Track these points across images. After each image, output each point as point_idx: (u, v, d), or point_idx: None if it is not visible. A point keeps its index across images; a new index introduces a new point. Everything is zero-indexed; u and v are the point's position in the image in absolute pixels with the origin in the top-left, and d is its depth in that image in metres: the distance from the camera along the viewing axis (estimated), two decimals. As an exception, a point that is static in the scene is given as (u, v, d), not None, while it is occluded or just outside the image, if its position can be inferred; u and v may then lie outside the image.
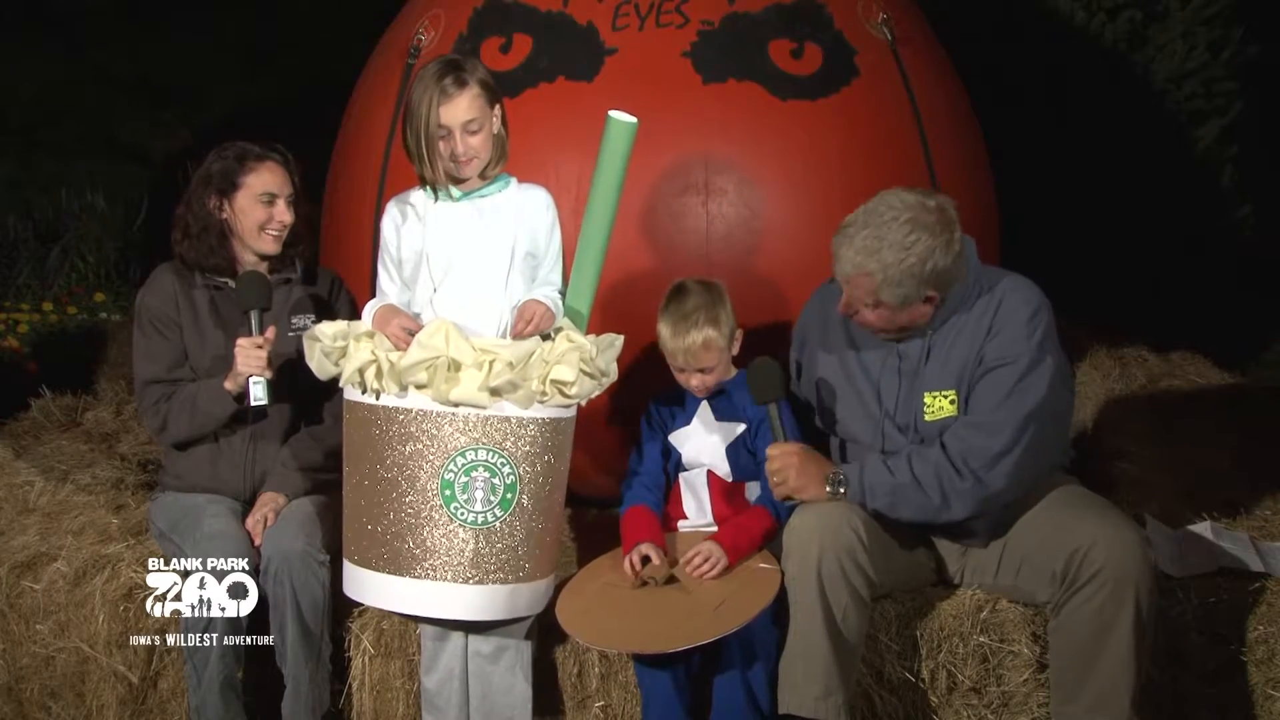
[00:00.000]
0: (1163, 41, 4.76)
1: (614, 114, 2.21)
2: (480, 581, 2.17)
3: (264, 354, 2.39)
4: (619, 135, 2.20)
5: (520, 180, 2.37)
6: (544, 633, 2.38)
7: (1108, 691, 2.07)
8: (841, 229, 2.20)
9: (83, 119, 6.69)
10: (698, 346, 2.34)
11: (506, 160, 2.33)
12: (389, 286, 2.36)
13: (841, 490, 2.18)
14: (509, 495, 2.17)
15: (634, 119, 2.20)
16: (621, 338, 2.33)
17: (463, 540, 2.16)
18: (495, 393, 2.12)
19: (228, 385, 2.44)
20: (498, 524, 2.17)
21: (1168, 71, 4.75)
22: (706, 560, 2.26)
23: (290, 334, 2.54)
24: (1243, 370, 4.26)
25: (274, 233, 2.54)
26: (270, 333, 2.44)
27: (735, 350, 2.42)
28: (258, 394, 2.39)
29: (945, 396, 2.23)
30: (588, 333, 2.33)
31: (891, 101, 2.86)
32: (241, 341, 2.41)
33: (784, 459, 2.20)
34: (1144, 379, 3.81)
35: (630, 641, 2.20)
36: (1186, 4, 4.75)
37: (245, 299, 2.43)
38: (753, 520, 2.35)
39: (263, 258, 2.57)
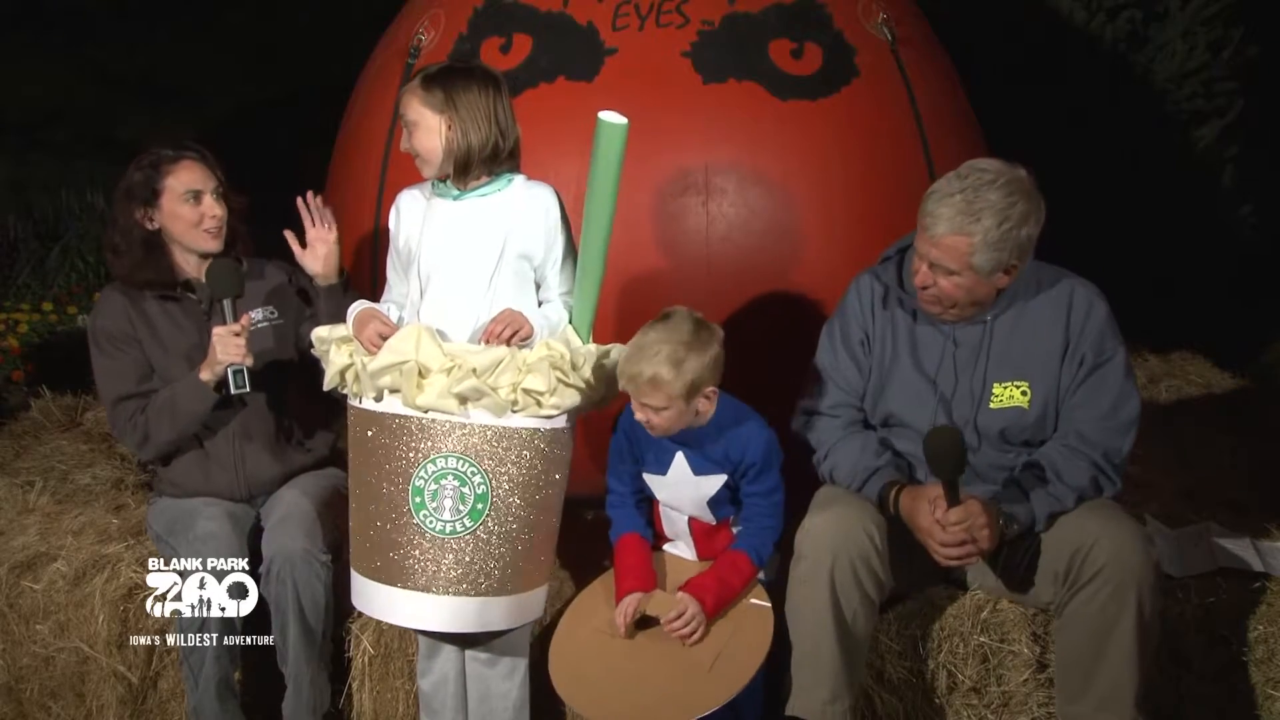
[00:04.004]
0: (1163, 41, 4.76)
1: (604, 115, 2.12)
2: (448, 592, 2.12)
3: (242, 341, 2.38)
4: (611, 137, 2.12)
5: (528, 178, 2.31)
6: (545, 634, 2.38)
7: (1112, 690, 2.06)
8: (932, 193, 2.15)
9: (83, 119, 6.68)
10: (643, 381, 2.13)
11: (508, 163, 2.26)
12: (392, 275, 2.36)
13: (1014, 526, 2.15)
14: (479, 505, 2.11)
15: (624, 120, 2.11)
16: (624, 349, 2.24)
17: (429, 549, 2.12)
18: (463, 399, 2.08)
19: (204, 376, 2.42)
20: (467, 534, 2.11)
21: (1168, 71, 4.74)
22: (686, 625, 2.16)
23: (253, 329, 2.51)
24: (1243, 370, 4.26)
25: (210, 228, 2.51)
26: (246, 319, 2.44)
27: (702, 407, 2.19)
28: (238, 382, 2.37)
29: (1017, 388, 2.22)
30: (594, 339, 2.28)
31: (891, 101, 2.86)
32: (218, 330, 2.39)
33: (973, 521, 2.07)
34: (1144, 379, 3.81)
35: (629, 716, 2.12)
36: (1186, 4, 4.74)
37: (217, 288, 2.42)
38: (734, 574, 2.24)
39: (205, 256, 2.54)
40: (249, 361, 2.39)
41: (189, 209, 2.49)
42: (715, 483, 2.28)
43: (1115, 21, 4.73)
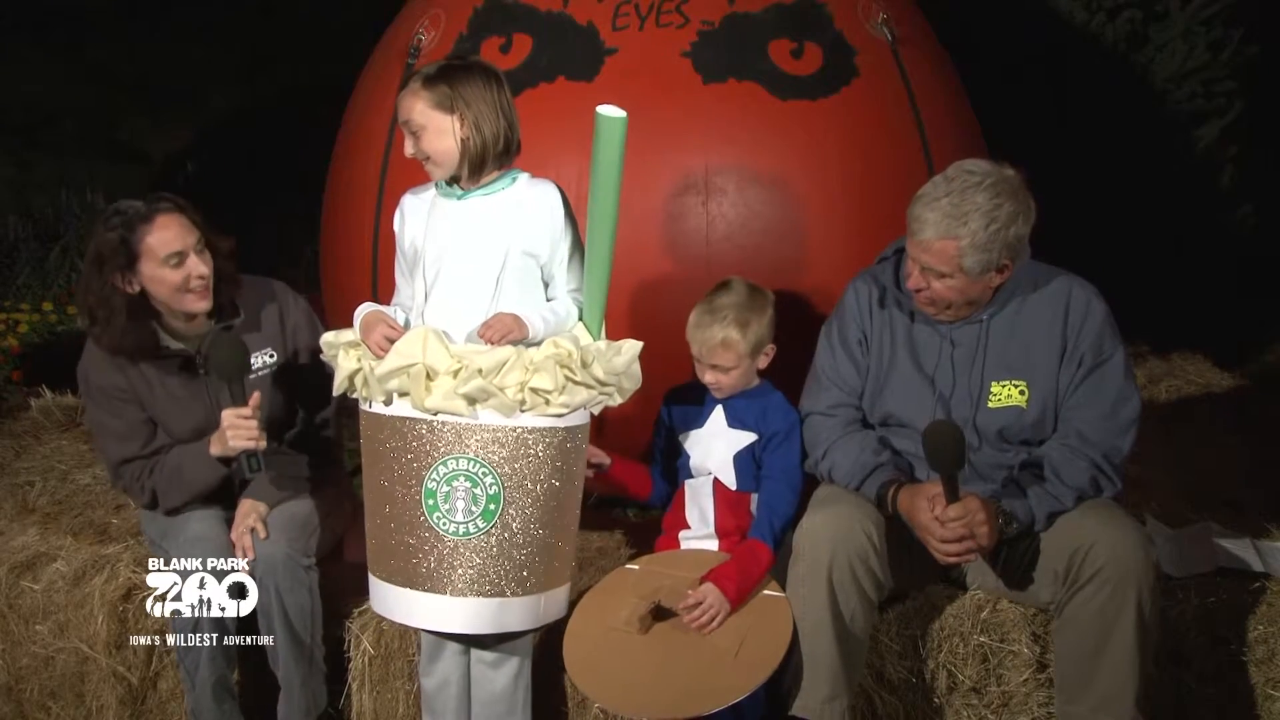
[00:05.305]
0: (1163, 41, 4.76)
1: (602, 109, 2.08)
2: (465, 594, 2.10)
3: (254, 424, 2.29)
4: (610, 130, 2.08)
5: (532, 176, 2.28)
6: (546, 634, 2.37)
7: (1112, 691, 2.06)
8: (920, 197, 2.17)
9: (83, 119, 6.69)
10: (715, 342, 2.32)
11: (510, 160, 2.23)
12: (399, 279, 2.33)
13: (1014, 524, 2.14)
14: (491, 506, 2.09)
15: (623, 113, 2.08)
16: (636, 344, 2.22)
17: (445, 551, 2.10)
18: (470, 400, 2.07)
19: (214, 451, 2.34)
20: (480, 535, 2.09)
21: (1168, 71, 4.74)
22: (705, 612, 2.17)
23: (253, 377, 2.43)
24: (1243, 370, 4.27)
25: (197, 289, 2.34)
26: (255, 399, 2.31)
27: (762, 364, 2.39)
28: (251, 465, 2.30)
29: (1015, 386, 2.22)
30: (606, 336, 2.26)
31: (891, 101, 2.86)
32: (228, 415, 2.29)
33: (972, 517, 2.07)
34: (1144, 379, 3.81)
35: (662, 707, 2.11)
36: (1186, 4, 4.74)
37: (221, 370, 2.28)
38: (754, 563, 2.25)
39: (193, 317, 2.40)
40: (262, 444, 2.31)
41: (172, 272, 2.30)
42: (745, 438, 2.39)
43: (1115, 21, 4.73)
